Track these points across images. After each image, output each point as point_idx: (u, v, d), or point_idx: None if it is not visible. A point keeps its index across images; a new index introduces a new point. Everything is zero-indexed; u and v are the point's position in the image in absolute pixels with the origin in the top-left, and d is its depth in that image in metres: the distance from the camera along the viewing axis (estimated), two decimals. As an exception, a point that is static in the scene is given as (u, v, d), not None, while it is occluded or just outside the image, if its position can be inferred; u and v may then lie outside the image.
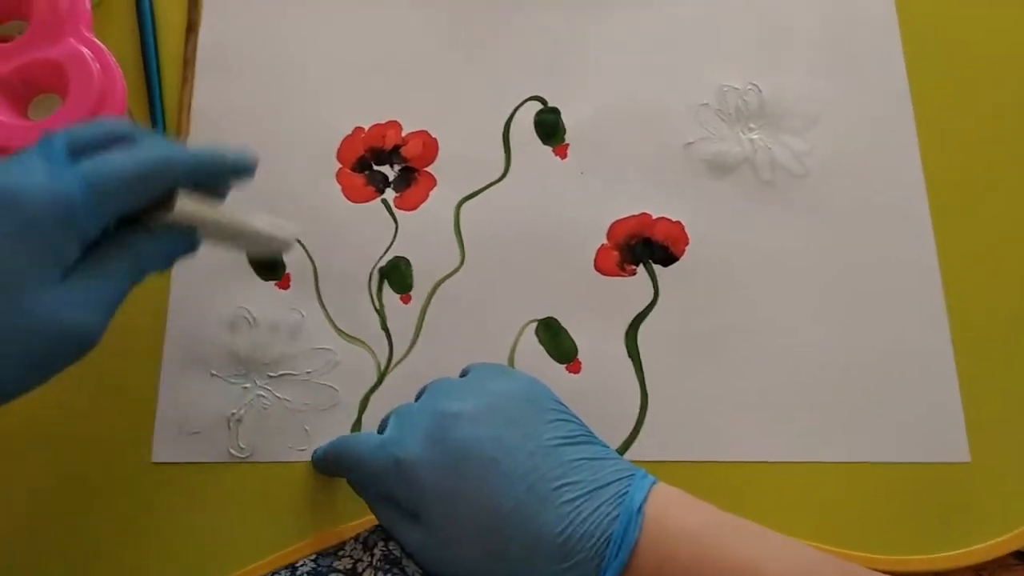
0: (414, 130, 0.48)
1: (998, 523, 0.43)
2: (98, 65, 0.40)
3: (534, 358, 0.44)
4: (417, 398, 0.37)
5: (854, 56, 0.50)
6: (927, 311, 0.46)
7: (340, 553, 0.37)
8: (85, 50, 0.40)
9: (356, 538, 0.38)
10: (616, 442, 0.43)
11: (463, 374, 0.38)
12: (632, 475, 0.32)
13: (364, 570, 0.35)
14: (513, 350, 0.45)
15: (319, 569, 0.36)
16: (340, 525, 0.41)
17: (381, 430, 0.36)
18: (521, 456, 0.31)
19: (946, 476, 0.44)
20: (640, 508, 0.30)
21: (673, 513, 0.31)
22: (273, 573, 0.37)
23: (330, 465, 0.39)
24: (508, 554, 0.30)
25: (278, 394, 0.43)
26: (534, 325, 0.45)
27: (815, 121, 0.49)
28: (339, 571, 0.36)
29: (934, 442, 0.44)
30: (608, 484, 0.31)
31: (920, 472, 0.44)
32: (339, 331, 0.44)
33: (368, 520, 0.41)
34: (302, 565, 0.37)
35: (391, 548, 0.35)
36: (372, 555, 0.36)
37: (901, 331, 0.46)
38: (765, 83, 0.50)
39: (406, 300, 0.45)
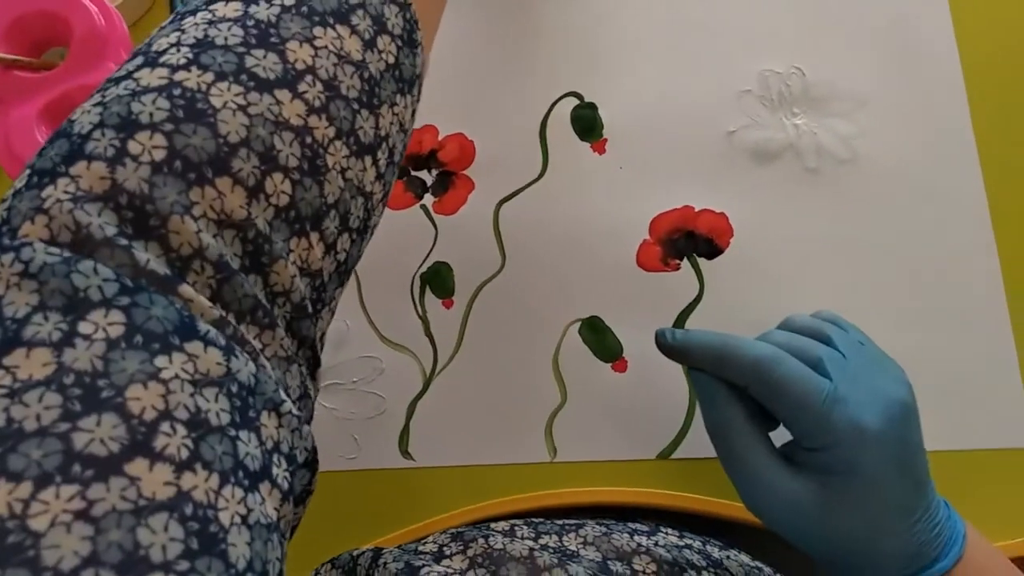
0: (450, 133, 0.48)
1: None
2: (138, 88, 0.41)
3: (579, 358, 0.44)
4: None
5: (902, 33, 0.48)
6: (985, 296, 0.44)
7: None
8: (124, 74, 0.41)
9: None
10: (664, 441, 0.43)
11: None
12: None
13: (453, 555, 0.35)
14: (558, 351, 0.44)
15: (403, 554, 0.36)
16: (392, 532, 0.41)
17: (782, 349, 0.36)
18: (923, 457, 0.35)
19: (1013, 461, 0.42)
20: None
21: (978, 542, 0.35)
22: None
23: (715, 360, 0.36)
24: (881, 537, 0.33)
25: (326, 404, 0.43)
26: (578, 325, 0.45)
27: (863, 103, 0.47)
28: (424, 553, 0.35)
29: (999, 428, 0.43)
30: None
31: (986, 459, 0.42)
32: (384, 339, 0.44)
33: (424, 526, 0.41)
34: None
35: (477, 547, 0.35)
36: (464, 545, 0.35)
37: (959, 319, 0.44)
38: (808, 65, 0.48)
39: (448, 305, 0.45)
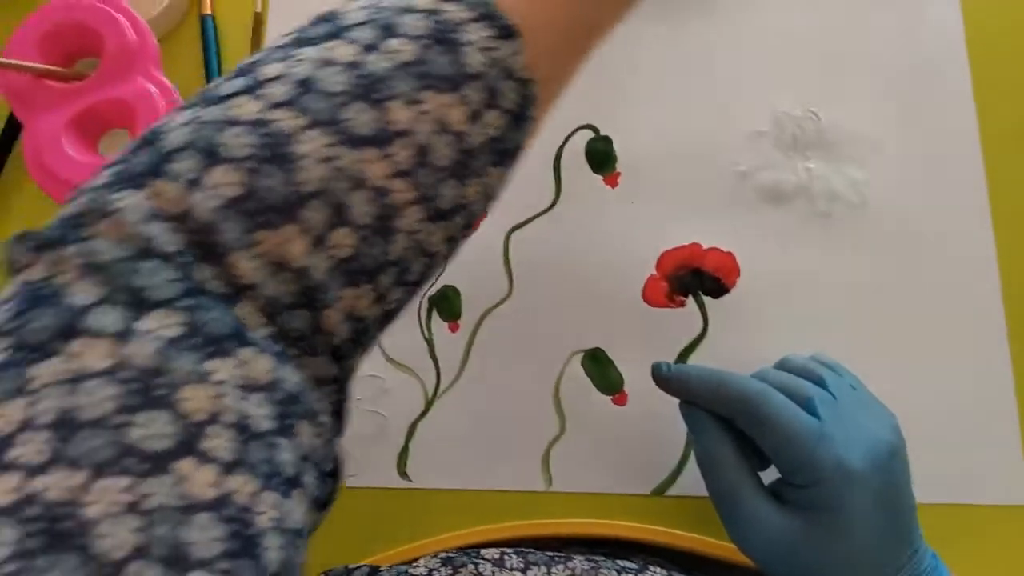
0: (466, 159, 0.48)
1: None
2: (164, 102, 0.42)
3: (580, 389, 0.45)
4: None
5: (918, 82, 0.49)
6: (989, 349, 0.44)
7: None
8: (153, 88, 0.42)
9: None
10: (660, 477, 0.43)
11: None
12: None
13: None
14: (559, 380, 0.45)
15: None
16: (385, 552, 0.42)
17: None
18: (911, 501, 0.35)
19: (1007, 518, 0.42)
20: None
21: None
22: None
23: (707, 393, 0.37)
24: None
25: (328, 420, 0.44)
26: (580, 356, 0.45)
27: (876, 149, 0.48)
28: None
29: (995, 484, 0.43)
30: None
31: (981, 514, 0.42)
32: (388, 358, 0.45)
33: (416, 547, 0.41)
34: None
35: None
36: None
37: (961, 369, 0.44)
38: (824, 110, 0.48)
39: (454, 328, 0.46)
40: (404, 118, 0.24)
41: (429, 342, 0.45)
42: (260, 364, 0.22)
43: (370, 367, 0.45)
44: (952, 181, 0.47)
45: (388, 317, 0.27)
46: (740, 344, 0.45)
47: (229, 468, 0.20)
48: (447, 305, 0.46)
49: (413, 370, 0.45)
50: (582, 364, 0.45)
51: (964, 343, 0.45)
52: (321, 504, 0.25)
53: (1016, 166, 0.47)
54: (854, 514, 0.33)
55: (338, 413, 0.26)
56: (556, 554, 0.37)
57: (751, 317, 0.45)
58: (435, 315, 0.46)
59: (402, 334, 0.45)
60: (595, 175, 0.48)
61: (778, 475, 0.36)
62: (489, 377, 0.45)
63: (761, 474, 0.37)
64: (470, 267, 0.46)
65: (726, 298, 0.46)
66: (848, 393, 0.37)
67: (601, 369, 0.45)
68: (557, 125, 0.49)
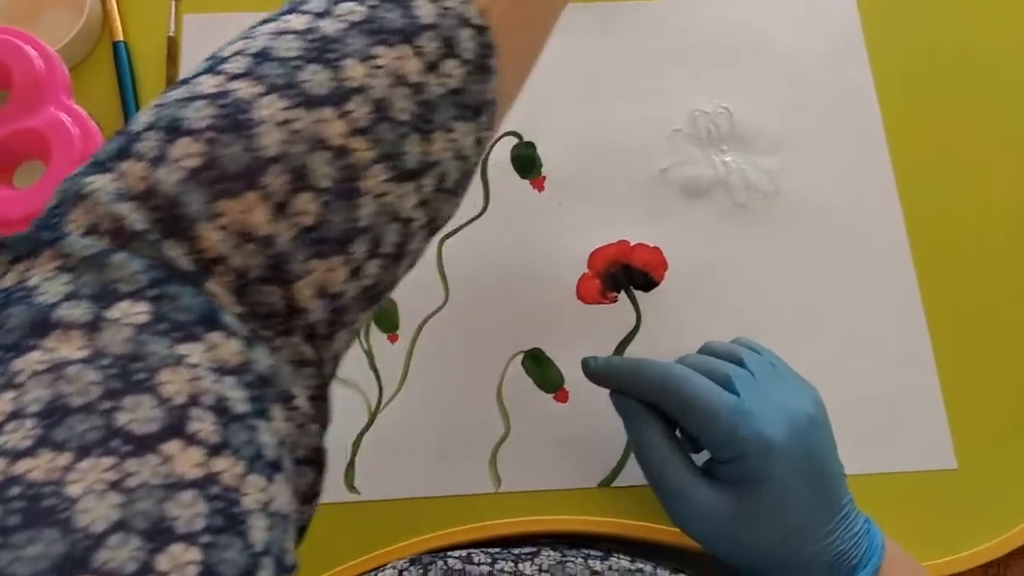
0: (393, 171, 0.49)
1: (988, 526, 0.44)
2: (78, 130, 0.41)
3: (522, 389, 0.45)
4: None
5: (821, 72, 0.52)
6: (906, 322, 0.47)
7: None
8: (65, 117, 0.41)
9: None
10: (605, 469, 0.44)
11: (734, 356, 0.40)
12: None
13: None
14: (501, 382, 0.45)
15: None
16: (339, 567, 0.42)
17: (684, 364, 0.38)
18: (837, 467, 0.37)
19: (935, 483, 0.44)
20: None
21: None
22: None
23: (631, 382, 0.38)
24: (798, 546, 0.35)
25: (272, 440, 0.43)
26: (521, 356, 0.46)
27: (787, 140, 0.50)
28: None
29: (921, 451, 0.45)
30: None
31: (910, 480, 0.44)
32: (329, 374, 0.45)
33: (372, 558, 0.41)
34: None
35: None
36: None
37: (882, 343, 0.46)
38: (735, 105, 0.51)
39: (393, 339, 0.46)
40: (359, 74, 0.24)
41: (369, 354, 0.45)
42: (229, 346, 0.22)
43: (311, 384, 0.45)
44: (859, 164, 0.50)
45: (369, 296, 0.26)
46: (673, 334, 0.46)
47: (215, 450, 0.20)
48: (384, 316, 0.46)
49: (354, 384, 0.45)
50: (523, 365, 0.46)
51: (882, 318, 0.47)
52: (305, 497, 0.25)
53: (918, 146, 0.50)
54: (778, 484, 0.34)
55: (319, 399, 0.26)
56: (523, 550, 0.37)
57: (681, 307, 0.47)
58: (373, 327, 0.46)
59: (341, 349, 0.45)
60: (522, 180, 0.49)
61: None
62: (431, 385, 0.45)
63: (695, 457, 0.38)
64: (405, 277, 0.47)
65: (656, 291, 0.47)
66: (767, 370, 0.39)
67: (541, 368, 0.46)
68: (481, 133, 0.50)
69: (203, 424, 0.20)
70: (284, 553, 0.21)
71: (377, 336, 0.46)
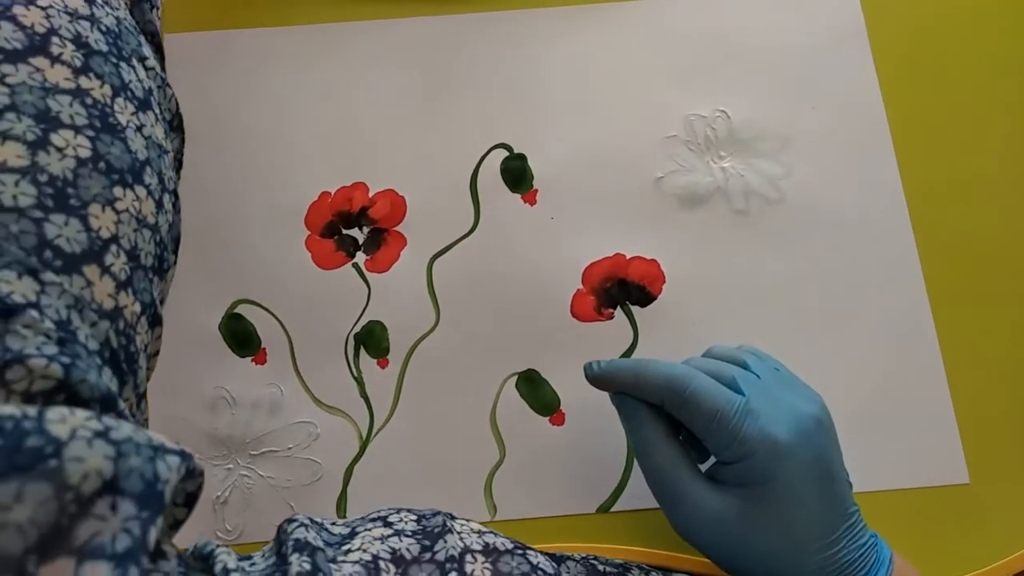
0: (381, 189, 0.47)
1: (1002, 542, 0.42)
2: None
3: (516, 412, 0.44)
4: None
5: (824, 73, 0.49)
6: (916, 333, 0.45)
7: None
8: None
9: None
10: (604, 493, 0.43)
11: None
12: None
13: None
14: (495, 406, 0.44)
15: None
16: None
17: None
18: (843, 474, 0.36)
19: (947, 498, 0.43)
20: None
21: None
22: None
23: (634, 381, 0.37)
24: (803, 553, 0.34)
25: (261, 472, 0.43)
26: (514, 379, 0.45)
27: (788, 142, 0.48)
28: None
29: (932, 466, 0.43)
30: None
31: (921, 496, 0.43)
32: (318, 402, 0.44)
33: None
34: None
35: None
36: None
37: (891, 355, 0.45)
38: (733, 108, 0.49)
39: (384, 364, 0.45)
40: (38, 19, 0.28)
41: (359, 381, 0.44)
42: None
43: (301, 413, 0.44)
44: (865, 167, 0.48)
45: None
46: (671, 350, 0.45)
47: (81, 71, 0.26)
48: (374, 341, 0.45)
49: (345, 412, 0.44)
50: (517, 387, 0.44)
51: (891, 328, 0.45)
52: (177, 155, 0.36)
53: (925, 146, 0.48)
54: (785, 485, 0.33)
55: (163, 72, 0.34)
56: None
57: (679, 322, 0.45)
58: (363, 353, 0.45)
59: (331, 376, 0.44)
60: (513, 194, 0.48)
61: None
62: (423, 411, 0.44)
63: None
64: (395, 300, 0.46)
65: (653, 305, 0.46)
66: (772, 374, 0.38)
67: (536, 390, 0.44)
68: (470, 147, 0.48)
69: (64, 49, 0.25)
70: (165, 179, 0.27)
71: (367, 362, 0.45)
